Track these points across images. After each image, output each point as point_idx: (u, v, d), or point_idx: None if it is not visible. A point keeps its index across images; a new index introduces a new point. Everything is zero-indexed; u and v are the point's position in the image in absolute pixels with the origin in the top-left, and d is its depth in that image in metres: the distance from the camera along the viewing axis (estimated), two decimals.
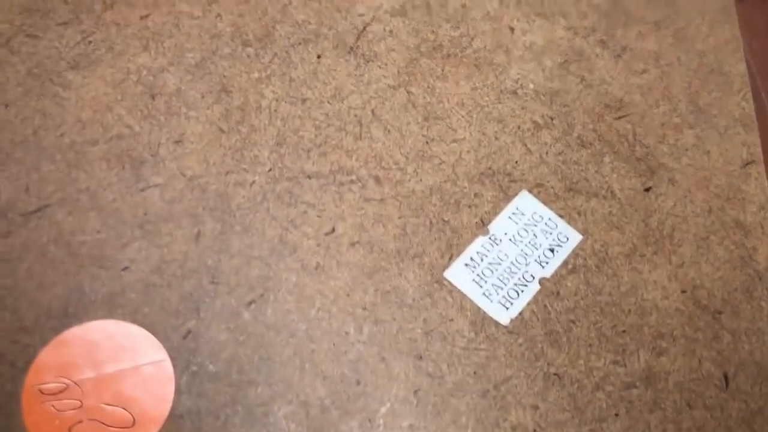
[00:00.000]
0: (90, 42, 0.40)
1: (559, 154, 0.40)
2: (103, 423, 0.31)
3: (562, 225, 0.38)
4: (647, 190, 0.40)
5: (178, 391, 0.32)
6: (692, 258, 0.38)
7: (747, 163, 0.41)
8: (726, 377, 0.35)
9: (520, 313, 0.36)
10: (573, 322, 0.36)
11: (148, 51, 0.40)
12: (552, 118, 0.41)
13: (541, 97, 0.42)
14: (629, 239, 0.38)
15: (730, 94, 0.43)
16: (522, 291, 0.36)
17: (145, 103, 0.39)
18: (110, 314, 0.33)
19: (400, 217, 0.37)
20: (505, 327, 0.35)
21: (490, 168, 0.39)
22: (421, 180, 0.38)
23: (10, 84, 0.38)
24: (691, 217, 0.39)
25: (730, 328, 0.36)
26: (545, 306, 0.36)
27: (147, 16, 0.41)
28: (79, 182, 0.36)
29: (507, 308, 0.36)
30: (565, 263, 0.37)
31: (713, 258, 0.38)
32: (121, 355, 0.33)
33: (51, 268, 0.34)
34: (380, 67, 0.41)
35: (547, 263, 0.37)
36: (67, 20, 0.40)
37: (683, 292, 0.37)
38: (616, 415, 0.34)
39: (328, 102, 0.40)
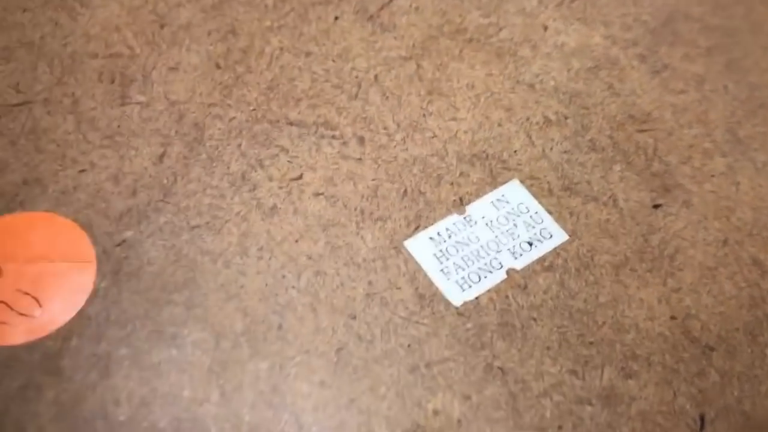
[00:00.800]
0: None
1: (565, 152, 0.38)
2: (9, 306, 0.31)
3: (549, 221, 0.36)
4: (656, 206, 0.37)
5: (94, 294, 0.32)
6: (692, 286, 0.35)
7: None
8: (702, 419, 0.32)
9: (477, 298, 0.34)
10: (534, 319, 0.33)
11: None
12: (566, 117, 0.40)
13: (560, 95, 0.40)
14: (622, 251, 0.36)
15: None
16: (485, 276, 0.34)
17: (152, 30, 0.41)
18: (55, 208, 0.34)
19: (373, 179, 0.37)
20: (456, 308, 0.33)
21: (484, 152, 0.38)
22: (407, 149, 0.38)
23: None
24: (702, 244, 0.36)
25: (720, 368, 0.33)
26: (507, 297, 0.34)
27: None
28: (67, 87, 0.38)
29: (463, 290, 0.34)
30: (542, 260, 0.35)
31: (717, 291, 0.35)
32: (51, 249, 0.33)
33: (15, 157, 0.36)
34: (396, 38, 0.42)
35: (521, 255, 0.35)
36: None
37: (673, 318, 0.34)
38: (560, 427, 0.31)
39: (333, 60, 0.40)
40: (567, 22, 0.44)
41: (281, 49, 0.41)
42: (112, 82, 0.39)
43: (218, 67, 0.40)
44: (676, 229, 0.37)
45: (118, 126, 0.37)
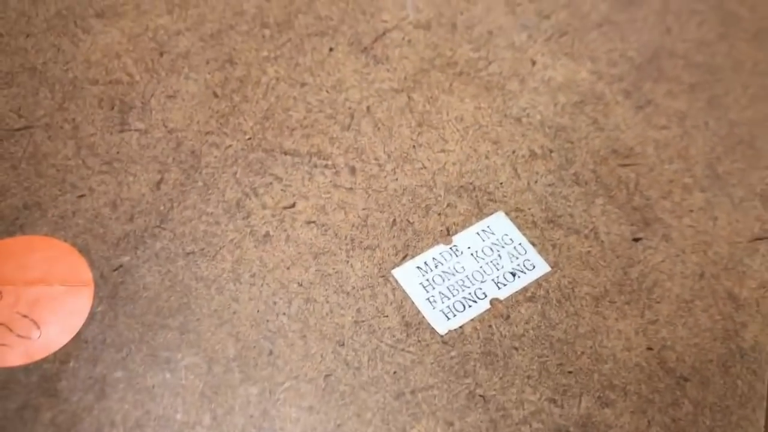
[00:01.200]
0: None
1: (549, 185, 0.40)
2: (9, 328, 0.33)
3: (532, 252, 0.38)
4: (636, 240, 0.39)
5: (90, 317, 0.34)
6: (669, 318, 0.37)
7: (757, 239, 0.40)
8: None
9: (461, 327, 0.35)
10: (516, 349, 0.35)
11: (171, 14, 0.44)
12: (551, 151, 0.41)
13: (546, 129, 0.42)
14: (602, 283, 0.37)
15: (756, 168, 0.42)
16: (469, 306, 0.36)
17: (152, 58, 0.42)
18: (54, 233, 0.36)
19: (364, 209, 0.38)
20: (440, 336, 0.35)
21: (471, 183, 0.40)
22: (397, 179, 0.39)
23: (38, 19, 0.43)
24: (679, 277, 0.38)
25: (693, 398, 0.35)
26: (490, 326, 0.35)
27: None
28: (68, 113, 0.40)
29: (448, 318, 0.35)
30: (525, 290, 0.37)
31: (693, 323, 0.37)
32: (50, 272, 0.35)
33: (16, 181, 0.37)
34: (388, 71, 0.43)
35: (504, 285, 0.37)
36: None
37: (649, 349, 0.36)
38: None
39: (327, 91, 0.42)
40: (555, 57, 0.45)
41: (277, 79, 0.42)
42: (112, 108, 0.40)
43: (215, 95, 0.41)
44: (655, 262, 0.38)
45: (117, 152, 0.39)
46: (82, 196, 0.37)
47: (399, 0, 0.46)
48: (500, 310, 0.36)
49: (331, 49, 0.44)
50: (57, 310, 0.34)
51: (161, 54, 0.42)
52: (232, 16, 0.44)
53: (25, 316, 0.33)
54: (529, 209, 0.39)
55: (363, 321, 0.35)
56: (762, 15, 0.49)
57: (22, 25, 0.43)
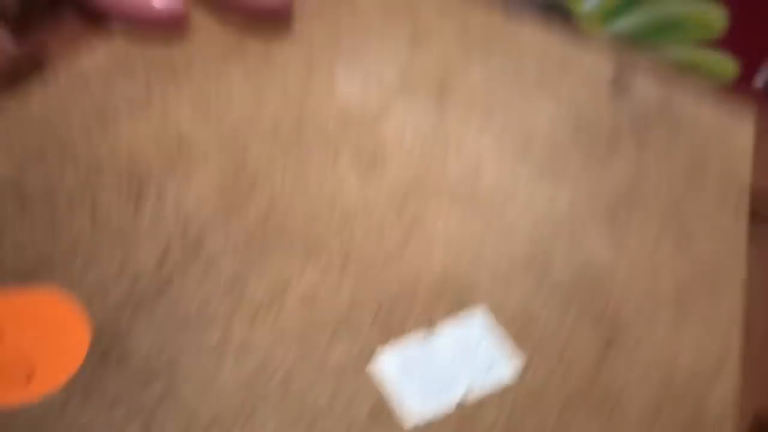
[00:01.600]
0: None
1: (527, 291, 0.43)
2: (2, 372, 0.35)
3: (505, 353, 0.40)
4: (606, 348, 0.41)
5: (82, 371, 0.36)
6: (635, 426, 0.38)
7: (722, 358, 0.42)
8: None
9: (431, 422, 0.37)
10: None
11: (193, 113, 0.48)
12: (531, 260, 0.44)
13: (528, 242, 0.45)
14: (571, 387, 0.39)
15: (723, 294, 0.45)
16: (442, 401, 0.37)
17: (171, 151, 0.46)
18: (59, 290, 0.38)
19: (350, 301, 0.41)
20: (409, 430, 0.36)
21: (453, 284, 0.42)
22: (384, 277, 0.42)
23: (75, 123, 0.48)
24: (646, 387, 0.40)
25: None
26: (460, 422, 0.37)
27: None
28: (88, 189, 0.43)
29: (420, 412, 0.37)
30: (496, 390, 0.38)
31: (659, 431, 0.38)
32: (50, 326, 0.37)
33: (31, 240, 0.40)
34: (383, 181, 0.47)
35: (477, 383, 0.38)
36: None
37: None
38: None
39: (325, 197, 0.46)
40: (537, 183, 0.49)
41: (282, 184, 0.46)
42: (129, 190, 0.44)
43: (225, 190, 0.45)
44: (623, 370, 0.40)
45: (129, 227, 0.42)
46: (90, 261, 0.40)
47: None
48: (470, 409, 0.38)
49: (333, 162, 0.48)
50: (52, 361, 0.36)
51: (180, 147, 0.47)
52: (249, 121, 0.49)
53: (18, 362, 0.35)
54: (507, 312, 0.42)
55: (336, 405, 0.37)
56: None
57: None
